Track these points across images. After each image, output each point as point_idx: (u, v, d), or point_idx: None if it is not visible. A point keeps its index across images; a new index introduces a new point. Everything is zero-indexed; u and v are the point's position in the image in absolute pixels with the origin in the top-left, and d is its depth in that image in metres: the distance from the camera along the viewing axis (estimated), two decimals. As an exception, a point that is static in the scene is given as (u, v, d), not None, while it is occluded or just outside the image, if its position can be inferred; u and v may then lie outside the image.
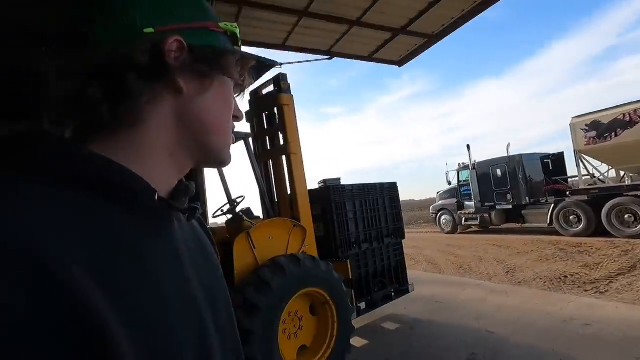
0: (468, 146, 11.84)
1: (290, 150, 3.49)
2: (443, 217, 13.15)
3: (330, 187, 3.82)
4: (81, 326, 0.28)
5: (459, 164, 12.91)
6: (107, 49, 0.38)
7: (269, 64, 0.55)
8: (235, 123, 0.52)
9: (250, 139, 3.41)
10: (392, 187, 4.54)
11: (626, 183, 8.74)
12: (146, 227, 0.40)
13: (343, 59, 5.62)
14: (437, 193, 14.51)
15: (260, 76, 0.58)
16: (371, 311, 3.95)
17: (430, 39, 4.96)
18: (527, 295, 4.69)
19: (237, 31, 0.48)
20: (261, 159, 3.76)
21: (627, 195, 8.16)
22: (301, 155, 3.60)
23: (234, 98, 0.52)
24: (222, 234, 3.36)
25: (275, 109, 3.66)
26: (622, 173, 9.28)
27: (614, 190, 8.61)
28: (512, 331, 3.56)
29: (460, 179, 12.76)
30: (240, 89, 0.53)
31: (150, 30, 0.39)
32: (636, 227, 7.90)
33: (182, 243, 0.45)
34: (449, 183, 13.58)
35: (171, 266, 0.41)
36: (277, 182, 3.77)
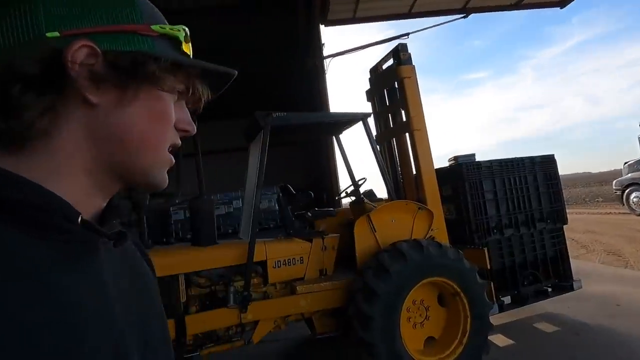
0: None
1: (414, 126, 3.23)
2: (634, 195, 10.13)
3: (463, 165, 3.37)
4: None
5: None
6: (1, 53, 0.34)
7: (225, 72, 0.47)
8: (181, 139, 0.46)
9: (370, 119, 3.29)
10: (548, 161, 3.70)
11: None
12: (63, 252, 0.35)
13: (485, 14, 4.84)
14: (625, 164, 11.23)
15: (222, 87, 0.49)
16: (519, 307, 3.39)
17: None
18: None
19: (181, 35, 0.43)
20: (383, 138, 3.61)
21: None
22: (426, 131, 3.29)
23: (185, 108, 0.46)
24: (348, 216, 3.42)
25: (396, 83, 3.43)
26: None
27: None
28: None
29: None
30: (197, 100, 0.47)
31: (55, 34, 0.35)
32: None
33: (108, 271, 0.40)
34: (644, 150, 10.32)
35: (89, 298, 0.36)
36: (401, 162, 3.57)
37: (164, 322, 0.50)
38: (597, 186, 25.02)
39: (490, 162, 3.46)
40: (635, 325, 3.23)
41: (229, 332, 2.57)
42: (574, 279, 3.62)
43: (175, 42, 0.43)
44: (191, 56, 0.45)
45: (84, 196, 0.39)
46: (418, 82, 3.31)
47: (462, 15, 4.89)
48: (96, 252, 0.40)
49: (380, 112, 3.70)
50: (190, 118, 0.48)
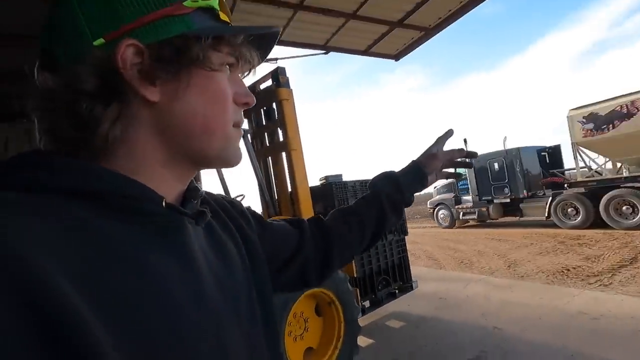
0: (465, 140, 11.80)
1: (291, 146, 3.38)
2: (441, 212, 13.13)
3: (332, 184, 3.72)
4: (56, 330, 0.25)
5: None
6: (64, 74, 0.35)
7: (269, 33, 0.45)
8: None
9: (249, 135, 3.29)
10: (394, 183, 4.45)
11: (624, 175, 8.74)
12: (156, 236, 0.37)
13: (340, 55, 5.50)
14: (435, 188, 14.48)
15: (269, 48, 0.49)
16: (375, 309, 3.87)
17: (427, 32, 4.87)
18: (531, 290, 4.64)
19: (215, 2, 0.40)
20: (260, 156, 3.65)
21: (625, 187, 8.16)
22: (302, 151, 3.50)
23: (240, 80, 0.45)
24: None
25: (274, 104, 3.55)
26: (619, 165, 9.29)
27: (611, 182, 8.61)
28: (520, 328, 3.49)
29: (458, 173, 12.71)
30: (249, 68, 0.45)
31: (100, 41, 0.35)
32: (634, 218, 7.91)
33: (198, 249, 0.42)
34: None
35: (181, 273, 0.38)
36: (277, 180, 3.66)
37: (251, 291, 0.49)
38: (415, 206, 31.31)
39: (354, 182, 3.93)
40: (455, 313, 4.15)
41: None
42: (413, 280, 4.39)
43: (212, 12, 0.40)
44: (229, 22, 0.42)
45: (165, 183, 0.41)
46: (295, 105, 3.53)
47: (323, 52, 5.41)
48: (183, 231, 0.41)
49: (257, 130, 3.74)
50: (247, 89, 0.45)
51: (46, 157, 0.36)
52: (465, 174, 11.87)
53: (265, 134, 3.67)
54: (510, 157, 10.76)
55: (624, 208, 8.13)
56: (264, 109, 3.69)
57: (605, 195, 8.34)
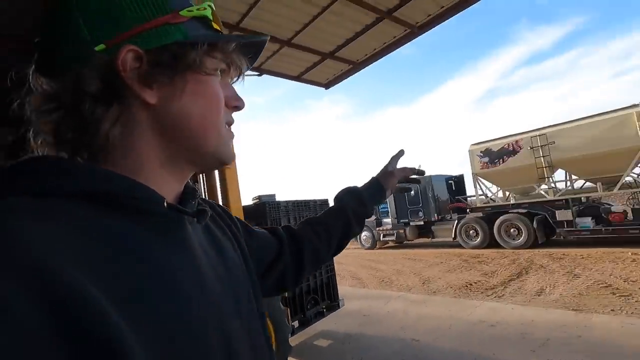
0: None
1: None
2: (363, 234, 13.79)
3: (266, 203, 3.75)
4: (82, 327, 0.26)
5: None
6: (68, 77, 0.37)
7: (257, 41, 0.48)
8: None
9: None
10: (324, 203, 4.65)
11: (511, 202, 10.33)
12: (158, 234, 0.39)
13: (272, 78, 5.66)
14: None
15: (256, 55, 0.52)
16: (304, 329, 3.91)
17: (355, 66, 5.31)
18: (442, 304, 5.15)
19: (208, 12, 0.43)
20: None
21: (512, 212, 9.63)
22: (236, 169, 3.49)
23: (230, 85, 0.48)
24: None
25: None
26: (507, 193, 10.94)
27: (502, 207, 10.08)
28: (433, 337, 3.85)
29: (379, 198, 13.63)
30: (237, 74, 0.49)
31: (102, 47, 0.37)
32: (519, 239, 9.34)
33: (197, 245, 0.44)
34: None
35: (187, 268, 0.40)
36: (209, 197, 3.56)
37: (252, 294, 0.52)
38: (339, 228, 32.22)
39: (287, 202, 4.01)
40: (377, 328, 4.39)
41: None
42: (340, 298, 4.55)
43: (205, 21, 0.43)
44: (221, 31, 0.46)
45: (164, 184, 0.42)
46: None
47: (257, 74, 5.51)
48: (184, 229, 0.42)
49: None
50: (237, 93, 0.48)
51: (54, 161, 0.37)
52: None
53: None
54: (424, 184, 11.92)
55: (511, 230, 9.55)
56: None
57: (498, 219, 9.72)
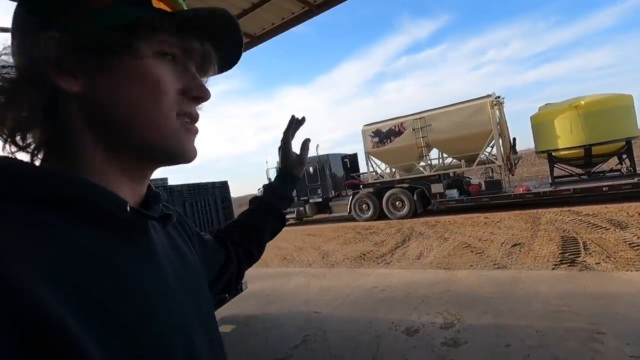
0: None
1: None
2: (264, 213, 13.82)
3: (158, 189, 3.37)
4: (34, 331, 0.26)
5: (278, 162, 13.86)
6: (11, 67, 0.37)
7: (219, 17, 0.42)
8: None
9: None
10: (224, 186, 4.42)
11: (397, 178, 11.58)
12: (121, 238, 0.38)
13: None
14: (258, 189, 15.12)
15: (233, 40, 0.45)
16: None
17: (253, 40, 5.10)
18: (339, 275, 5.54)
19: None
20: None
21: (397, 187, 10.84)
22: None
23: (192, 72, 0.43)
24: None
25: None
26: (393, 170, 12.22)
27: (389, 183, 11.25)
28: (333, 308, 4.13)
29: (279, 176, 13.78)
30: (203, 62, 0.44)
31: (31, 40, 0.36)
32: (403, 210, 10.61)
33: (160, 250, 0.43)
34: (269, 180, 14.38)
35: (150, 275, 0.39)
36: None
37: (209, 298, 0.52)
38: (238, 207, 31.62)
39: (182, 186, 3.68)
40: (281, 306, 4.49)
41: None
42: (242, 281, 4.49)
43: (142, 1, 0.39)
44: (171, 10, 0.40)
45: (122, 185, 0.40)
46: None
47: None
48: (148, 234, 0.42)
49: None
50: (201, 82, 0.43)
51: (6, 163, 0.35)
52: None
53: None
54: (322, 163, 12.46)
55: (397, 203, 10.77)
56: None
57: (386, 194, 10.83)
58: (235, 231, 0.80)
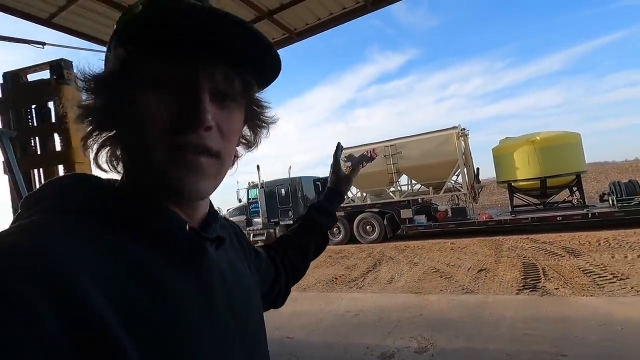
0: (258, 166, 12.81)
1: (75, 158, 2.75)
2: (233, 234, 13.46)
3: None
4: (79, 321, 0.29)
5: (249, 182, 13.71)
6: None
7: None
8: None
9: (9, 139, 2.46)
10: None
11: (367, 202, 11.78)
12: (176, 259, 0.40)
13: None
14: (227, 210, 14.79)
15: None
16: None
17: (291, 36, 4.26)
18: (312, 299, 5.46)
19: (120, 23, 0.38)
20: (26, 166, 2.76)
21: (368, 211, 11.01)
22: (90, 166, 2.90)
23: (179, 98, 0.38)
24: None
25: (51, 103, 2.82)
26: (364, 194, 12.44)
27: (360, 207, 11.41)
28: (306, 332, 4.05)
29: (250, 197, 13.57)
30: (208, 82, 0.39)
31: None
32: (373, 235, 10.74)
33: (215, 272, 0.45)
34: (239, 200, 14.16)
35: (198, 295, 0.41)
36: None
37: (261, 314, 0.55)
38: (205, 229, 30.58)
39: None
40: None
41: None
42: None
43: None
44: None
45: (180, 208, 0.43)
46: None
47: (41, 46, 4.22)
48: (203, 255, 0.44)
49: (21, 133, 2.83)
50: (195, 107, 0.37)
51: (82, 181, 0.42)
52: (257, 197, 12.81)
53: (36, 138, 2.84)
54: (294, 185, 12.45)
55: (367, 227, 10.90)
56: (35, 107, 2.86)
57: (357, 218, 10.95)
58: (282, 247, 0.81)
